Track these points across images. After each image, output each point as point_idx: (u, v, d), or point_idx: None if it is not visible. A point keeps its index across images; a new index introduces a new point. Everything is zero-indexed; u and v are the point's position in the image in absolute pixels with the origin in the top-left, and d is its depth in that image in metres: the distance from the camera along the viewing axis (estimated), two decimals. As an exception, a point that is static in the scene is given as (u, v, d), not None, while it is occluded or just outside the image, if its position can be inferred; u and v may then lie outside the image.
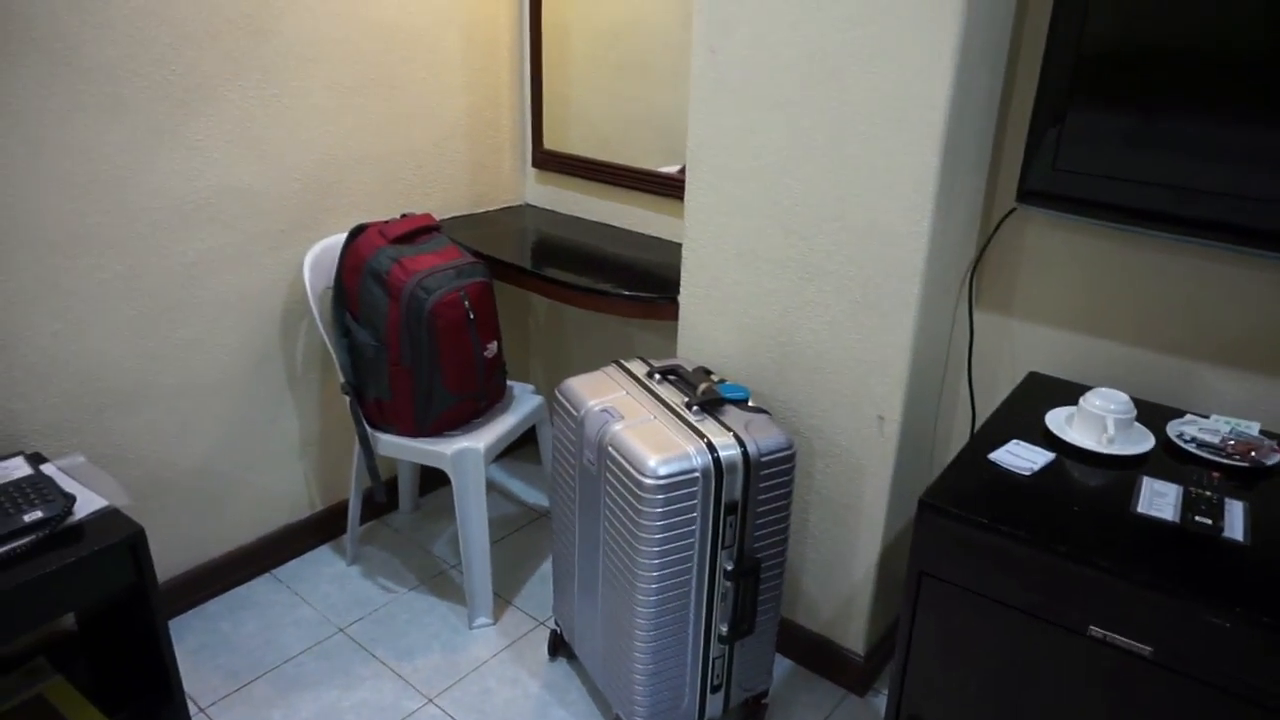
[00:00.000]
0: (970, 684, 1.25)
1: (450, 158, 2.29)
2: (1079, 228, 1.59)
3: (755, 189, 1.64)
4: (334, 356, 1.95)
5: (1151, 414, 1.44)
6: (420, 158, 2.22)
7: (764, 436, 1.49)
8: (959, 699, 1.26)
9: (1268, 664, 1.00)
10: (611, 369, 1.69)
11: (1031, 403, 1.50)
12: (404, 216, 1.97)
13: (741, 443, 1.46)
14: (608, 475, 1.51)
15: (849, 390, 1.65)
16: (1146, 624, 1.07)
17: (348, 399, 1.93)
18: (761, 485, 1.50)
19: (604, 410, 1.54)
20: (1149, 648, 1.07)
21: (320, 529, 2.24)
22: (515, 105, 2.42)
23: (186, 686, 1.79)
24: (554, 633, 1.91)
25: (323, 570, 2.16)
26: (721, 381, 1.64)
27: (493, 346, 1.95)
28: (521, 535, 2.34)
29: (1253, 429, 1.38)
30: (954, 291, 1.67)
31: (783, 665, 1.92)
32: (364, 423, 1.92)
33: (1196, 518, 1.13)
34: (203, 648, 1.91)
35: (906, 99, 1.42)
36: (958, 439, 1.83)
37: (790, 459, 1.52)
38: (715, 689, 1.63)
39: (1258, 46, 1.25)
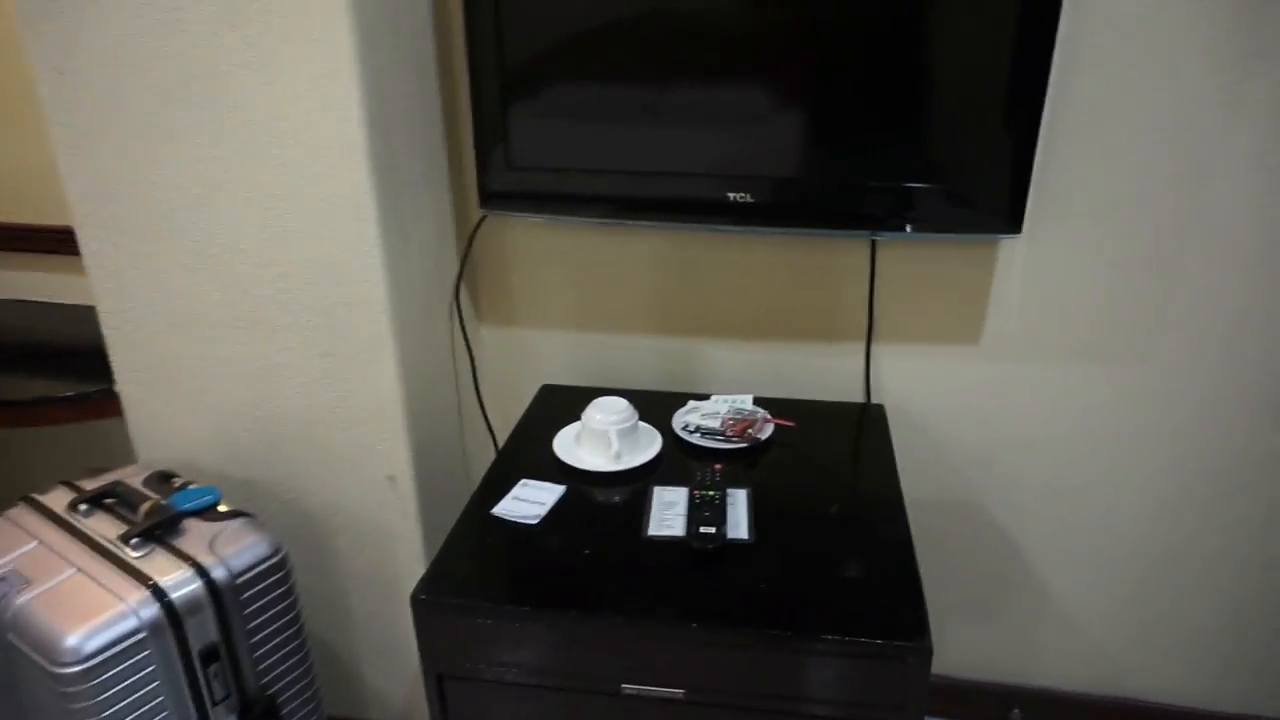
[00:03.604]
0: (527, 776, 1.08)
1: None
2: (554, 226, 1.48)
3: (170, 238, 1.29)
4: None
5: (661, 407, 1.38)
6: None
7: (236, 550, 1.18)
8: (521, 794, 1.09)
9: (788, 673, 0.94)
10: (19, 510, 1.26)
11: (544, 423, 1.36)
12: None
13: (203, 571, 1.14)
14: (24, 666, 1.10)
15: (349, 455, 1.39)
16: (673, 668, 0.97)
17: None
18: (249, 610, 1.19)
19: (1, 578, 1.12)
20: (680, 691, 0.97)
21: None
22: None
23: None
24: None
25: None
26: (182, 488, 1.29)
27: None
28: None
29: (747, 402, 1.37)
30: (444, 316, 1.48)
31: (364, 775, 1.65)
32: None
33: (701, 529, 1.05)
34: None
35: (316, 114, 1.17)
36: (496, 467, 1.67)
37: (280, 565, 1.23)
38: None
39: (668, 22, 1.19)
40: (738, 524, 1.09)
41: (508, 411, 1.63)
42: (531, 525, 1.11)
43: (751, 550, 1.05)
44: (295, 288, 1.28)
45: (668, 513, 1.12)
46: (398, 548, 1.45)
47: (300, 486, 1.43)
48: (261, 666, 1.23)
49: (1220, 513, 1.48)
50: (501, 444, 1.61)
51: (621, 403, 1.26)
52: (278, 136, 1.20)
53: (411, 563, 1.45)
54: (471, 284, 1.54)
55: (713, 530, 1.05)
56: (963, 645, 1.67)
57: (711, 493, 1.13)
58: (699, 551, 1.04)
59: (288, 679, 1.28)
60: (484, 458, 1.64)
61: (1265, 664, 1.58)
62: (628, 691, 0.98)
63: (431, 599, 0.99)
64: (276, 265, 1.28)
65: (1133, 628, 1.60)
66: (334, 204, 1.22)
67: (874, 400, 1.48)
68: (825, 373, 1.48)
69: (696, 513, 1.09)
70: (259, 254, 1.27)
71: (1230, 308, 1.34)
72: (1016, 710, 1.67)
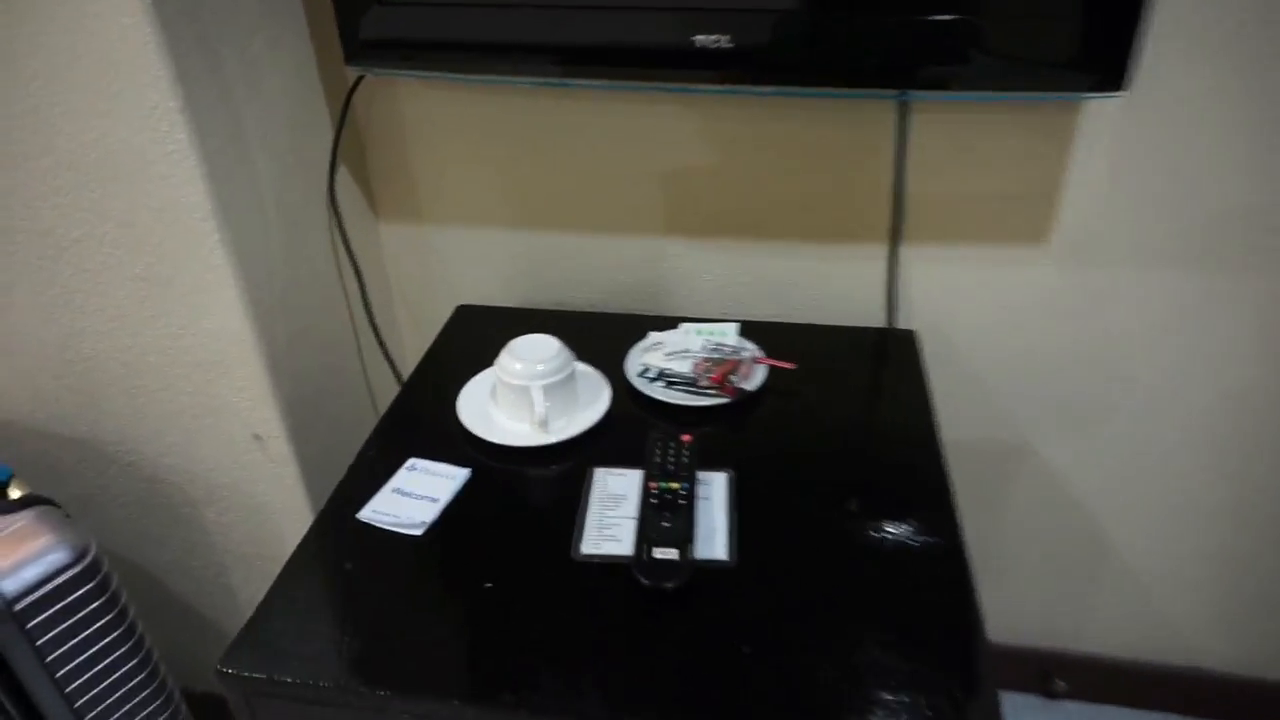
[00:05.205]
0: None
1: None
2: (461, 87, 1.07)
3: (-109, 118, 0.89)
4: None
5: (611, 338, 1.01)
6: None
7: (15, 563, 0.85)
8: None
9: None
10: None
11: (453, 365, 1.00)
12: None
13: (-41, 601, 0.81)
14: None
15: (196, 409, 1.04)
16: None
17: None
18: (56, 632, 0.87)
19: None
20: (624, 803, 0.66)
21: None
22: None
23: None
24: None
25: None
26: (-41, 464, 0.94)
27: None
28: None
29: (729, 333, 1.00)
30: (319, 218, 1.09)
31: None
32: None
33: (656, 550, 0.71)
34: None
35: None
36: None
37: (89, 573, 0.89)
38: None
39: None
40: (712, 535, 0.75)
41: (423, 336, 1.27)
42: (414, 537, 0.77)
43: (732, 582, 0.71)
44: (76, 186, 0.89)
45: (612, 513, 0.78)
46: (279, 521, 1.13)
47: (141, 447, 1.09)
48: (79, 704, 0.92)
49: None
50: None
51: (551, 344, 0.89)
52: (5, -46, 0.78)
53: (297, 535, 1.12)
54: (361, 170, 1.15)
55: (675, 555, 0.71)
56: (1003, 607, 1.37)
57: (675, 484, 0.78)
58: (650, 591, 0.70)
59: (125, 708, 0.97)
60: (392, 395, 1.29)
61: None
62: (547, 798, 0.67)
63: (243, 675, 0.66)
64: (42, 155, 0.88)
65: (1201, 591, 1.29)
66: (106, 64, 0.81)
67: (901, 323, 1.12)
68: (835, 285, 1.11)
69: (652, 518, 0.75)
70: (17, 139, 0.87)
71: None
72: (1059, 681, 1.39)
